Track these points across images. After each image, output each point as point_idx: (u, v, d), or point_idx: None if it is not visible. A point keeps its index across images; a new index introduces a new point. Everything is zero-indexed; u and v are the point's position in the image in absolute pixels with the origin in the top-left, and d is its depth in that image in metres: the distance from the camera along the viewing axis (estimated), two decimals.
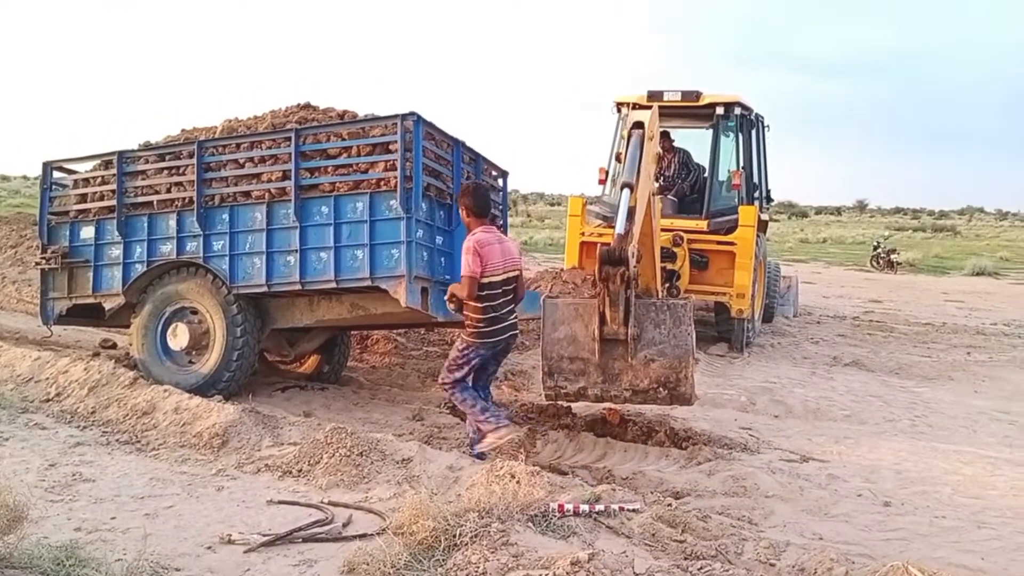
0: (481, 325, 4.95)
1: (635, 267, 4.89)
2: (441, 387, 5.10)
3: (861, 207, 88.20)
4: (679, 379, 5.00)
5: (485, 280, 4.87)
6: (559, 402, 5.78)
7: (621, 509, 3.85)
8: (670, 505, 4.11)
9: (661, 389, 5.02)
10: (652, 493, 4.48)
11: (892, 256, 25.27)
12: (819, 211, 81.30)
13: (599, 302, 4.92)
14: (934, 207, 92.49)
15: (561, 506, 3.78)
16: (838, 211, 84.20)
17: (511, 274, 5.06)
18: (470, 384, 5.09)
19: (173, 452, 4.94)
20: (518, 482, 4.05)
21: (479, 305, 4.91)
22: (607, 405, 5.86)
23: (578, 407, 6.18)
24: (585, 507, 3.81)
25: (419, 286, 5.73)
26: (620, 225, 4.81)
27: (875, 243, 27.43)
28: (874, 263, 25.53)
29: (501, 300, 5.00)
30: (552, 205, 68.62)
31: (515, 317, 5.18)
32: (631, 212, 4.93)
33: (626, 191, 5.00)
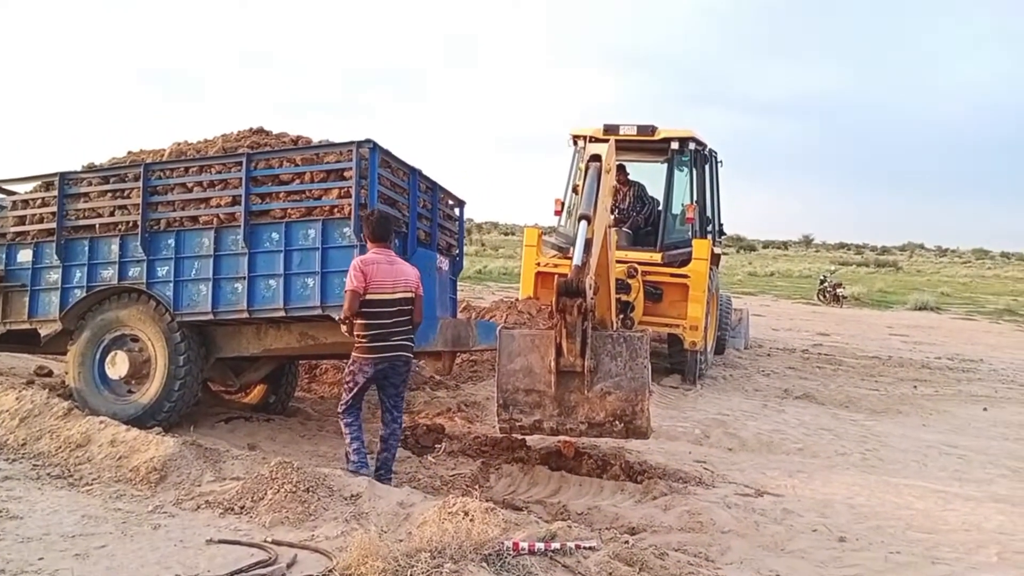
0: (364, 341, 5.01)
1: (592, 299, 4.85)
2: (338, 410, 5.14)
3: (807, 242, 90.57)
4: (635, 412, 4.95)
5: (370, 297, 4.94)
6: (514, 435, 5.68)
7: (577, 547, 3.75)
8: (627, 542, 4.02)
9: (617, 422, 4.96)
10: (608, 529, 4.39)
11: (838, 290, 25.94)
12: (766, 245, 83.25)
13: (556, 333, 4.87)
14: (876, 243, 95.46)
15: (516, 544, 3.67)
16: (785, 245, 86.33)
17: (402, 295, 5.08)
18: (361, 413, 5.18)
19: (108, 487, 4.69)
20: (471, 519, 3.92)
21: (362, 322, 4.98)
22: (562, 438, 5.78)
23: (532, 440, 6.08)
24: (540, 545, 3.71)
25: None
26: (578, 257, 4.79)
27: (822, 277, 28.11)
28: (821, 297, 26.14)
29: (388, 320, 5.02)
30: (506, 234, 68.95)
31: (406, 340, 5.15)
32: (588, 244, 4.91)
33: (583, 223, 4.98)
